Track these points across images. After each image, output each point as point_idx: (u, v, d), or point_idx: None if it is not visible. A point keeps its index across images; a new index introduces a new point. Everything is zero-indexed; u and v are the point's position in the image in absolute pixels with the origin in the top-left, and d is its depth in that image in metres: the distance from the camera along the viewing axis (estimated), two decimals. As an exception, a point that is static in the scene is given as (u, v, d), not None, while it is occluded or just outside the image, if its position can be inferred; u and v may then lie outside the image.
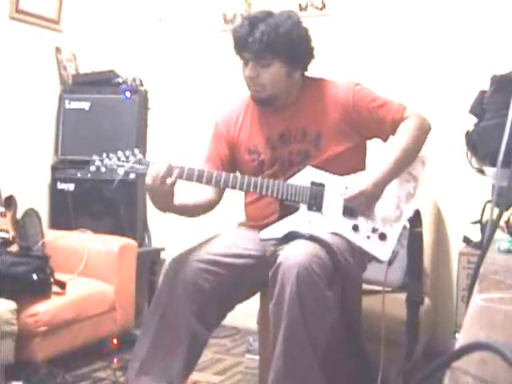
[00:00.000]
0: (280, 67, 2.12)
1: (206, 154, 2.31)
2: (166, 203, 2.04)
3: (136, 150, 2.05)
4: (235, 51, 2.16)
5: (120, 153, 2.04)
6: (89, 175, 3.39)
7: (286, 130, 2.18)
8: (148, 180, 1.97)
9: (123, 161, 2.03)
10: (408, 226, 2.16)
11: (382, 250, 2.11)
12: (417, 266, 2.26)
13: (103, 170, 2.05)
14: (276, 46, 2.07)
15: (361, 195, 2.06)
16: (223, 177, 2.06)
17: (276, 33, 2.06)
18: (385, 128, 2.17)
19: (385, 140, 2.21)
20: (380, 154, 2.21)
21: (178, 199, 2.08)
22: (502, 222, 1.44)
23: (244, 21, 2.12)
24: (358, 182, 2.09)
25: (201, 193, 2.17)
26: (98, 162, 2.05)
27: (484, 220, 2.48)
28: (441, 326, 3.10)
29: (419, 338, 2.58)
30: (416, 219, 2.18)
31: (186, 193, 2.14)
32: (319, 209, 2.10)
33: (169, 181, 1.96)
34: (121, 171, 2.03)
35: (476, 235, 2.73)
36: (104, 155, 2.05)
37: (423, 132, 2.19)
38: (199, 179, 2.04)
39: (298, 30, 2.13)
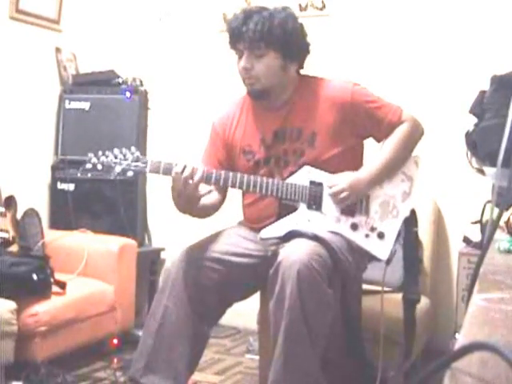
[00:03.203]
0: (274, 58, 2.11)
1: (204, 156, 2.31)
2: (189, 206, 2.04)
3: (133, 148, 2.02)
4: (230, 45, 2.16)
5: (116, 150, 2.02)
6: (89, 175, 3.39)
7: (280, 129, 2.18)
8: (173, 183, 1.96)
9: (120, 158, 2.01)
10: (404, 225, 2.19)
11: (381, 249, 2.13)
12: (413, 265, 2.27)
13: (100, 167, 2.01)
14: (270, 36, 2.07)
15: (344, 190, 2.09)
16: (223, 175, 2.05)
17: (270, 22, 2.07)
18: (381, 129, 2.19)
19: (379, 140, 2.23)
20: (372, 156, 2.24)
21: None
22: (501, 222, 1.44)
23: (239, 14, 2.13)
24: (342, 179, 2.11)
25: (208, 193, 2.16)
26: (93, 160, 2.02)
27: (484, 220, 2.48)
28: (441, 326, 3.10)
29: (418, 338, 2.58)
30: (412, 219, 2.20)
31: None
32: (318, 208, 2.11)
33: (195, 181, 1.96)
34: (118, 169, 2.00)
35: (476, 235, 2.73)
36: (100, 153, 2.02)
37: (415, 137, 2.23)
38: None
39: (292, 21, 2.14)
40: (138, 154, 2.01)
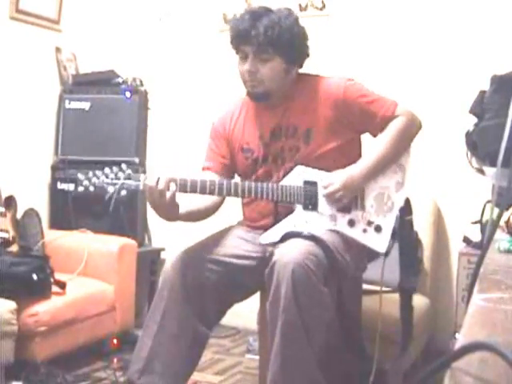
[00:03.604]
0: (280, 63, 2.12)
1: (208, 156, 2.30)
2: (170, 214, 2.01)
3: (124, 166, 1.97)
4: (234, 45, 2.15)
5: (107, 170, 1.97)
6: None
7: (277, 126, 2.19)
8: (147, 195, 1.93)
9: (112, 178, 1.96)
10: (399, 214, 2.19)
11: (379, 242, 2.14)
12: (408, 255, 2.26)
13: (92, 189, 1.97)
14: (278, 41, 2.07)
15: (339, 190, 2.09)
16: (217, 185, 2.02)
17: (279, 28, 2.07)
18: (375, 123, 2.18)
19: (375, 135, 2.23)
20: (366, 151, 2.24)
21: (184, 206, 2.04)
22: (502, 222, 1.44)
23: (245, 14, 2.12)
24: (335, 178, 2.11)
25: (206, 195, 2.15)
26: (85, 182, 1.98)
27: (484, 220, 2.48)
28: (441, 326, 3.10)
29: (418, 338, 2.58)
30: (406, 207, 2.20)
31: (191, 197, 2.11)
32: (315, 208, 2.11)
33: (168, 194, 1.91)
34: (111, 189, 1.95)
35: (476, 235, 2.73)
36: (90, 174, 1.97)
37: (411, 130, 2.21)
38: (193, 189, 2.00)
39: (298, 27, 2.15)
40: (129, 171, 1.96)
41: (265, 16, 2.09)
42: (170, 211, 1.98)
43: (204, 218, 2.20)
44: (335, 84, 2.18)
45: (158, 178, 1.92)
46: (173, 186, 1.93)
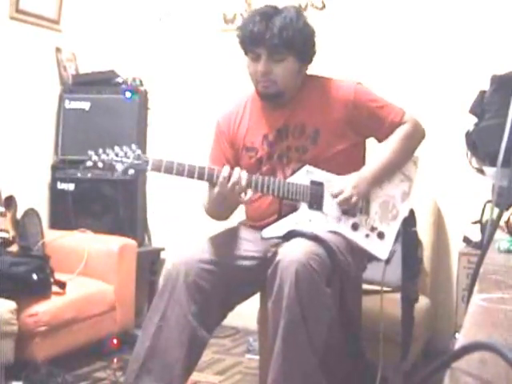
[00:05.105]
0: (293, 62, 2.12)
1: (211, 156, 2.31)
2: (228, 212, 2.17)
3: (134, 146, 1.99)
4: (245, 46, 2.14)
5: (117, 148, 1.98)
6: (89, 175, 3.40)
7: (284, 126, 2.18)
8: (225, 185, 1.99)
9: (121, 156, 1.98)
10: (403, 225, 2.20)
11: (381, 249, 2.14)
12: (411, 265, 2.27)
13: (100, 165, 1.98)
14: (293, 42, 2.08)
15: (353, 195, 2.10)
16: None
17: (293, 28, 2.07)
18: (382, 129, 2.19)
19: (380, 140, 2.24)
20: (372, 156, 2.24)
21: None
22: (502, 222, 1.44)
23: (255, 16, 2.11)
24: (345, 183, 2.11)
25: None
26: (94, 157, 1.98)
27: (484, 220, 2.48)
28: (441, 326, 3.10)
29: (418, 338, 2.58)
30: (410, 219, 2.20)
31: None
32: (319, 207, 2.11)
33: (243, 182, 2.00)
34: (119, 167, 1.97)
35: (476, 235, 2.73)
36: (100, 150, 1.99)
37: (416, 139, 2.24)
38: (200, 177, 2.02)
39: (309, 26, 2.16)
40: (139, 151, 1.99)
41: (276, 16, 2.08)
42: (232, 206, 2.14)
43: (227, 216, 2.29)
44: (346, 86, 2.18)
45: (231, 170, 2.01)
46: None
